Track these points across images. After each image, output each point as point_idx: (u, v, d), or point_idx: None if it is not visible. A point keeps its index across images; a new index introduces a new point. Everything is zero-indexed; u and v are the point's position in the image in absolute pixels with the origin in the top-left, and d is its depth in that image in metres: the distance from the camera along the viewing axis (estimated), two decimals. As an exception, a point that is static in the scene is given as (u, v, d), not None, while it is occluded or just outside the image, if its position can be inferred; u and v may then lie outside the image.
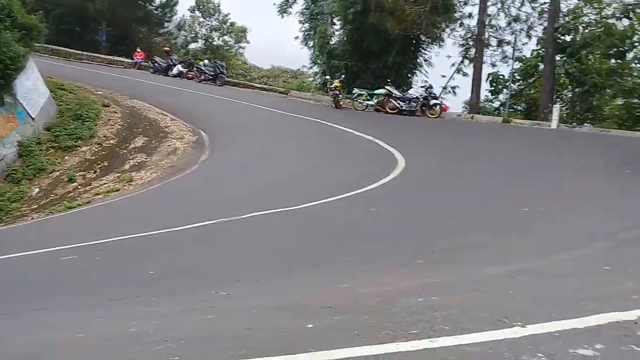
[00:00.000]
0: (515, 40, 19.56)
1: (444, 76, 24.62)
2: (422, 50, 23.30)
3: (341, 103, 19.87)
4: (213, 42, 38.21)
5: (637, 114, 18.76)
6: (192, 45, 38.60)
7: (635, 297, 3.71)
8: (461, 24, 23.89)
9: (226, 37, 39.38)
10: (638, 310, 3.43)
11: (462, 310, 3.55)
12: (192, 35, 38.51)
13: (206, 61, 27.16)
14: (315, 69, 28.32)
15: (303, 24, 28.34)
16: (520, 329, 3.19)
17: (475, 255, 5.07)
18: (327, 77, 21.95)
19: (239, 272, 5.12)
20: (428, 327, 3.24)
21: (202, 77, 25.23)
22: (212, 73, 25.03)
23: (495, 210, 7.15)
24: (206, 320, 3.64)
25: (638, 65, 19.24)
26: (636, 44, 17.88)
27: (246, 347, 3.01)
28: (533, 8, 21.87)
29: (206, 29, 38.57)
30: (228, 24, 38.89)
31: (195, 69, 26.32)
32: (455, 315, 3.43)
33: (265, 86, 27.01)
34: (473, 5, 22.71)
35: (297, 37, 28.85)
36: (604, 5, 19.25)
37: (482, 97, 22.70)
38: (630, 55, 18.62)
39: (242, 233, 6.67)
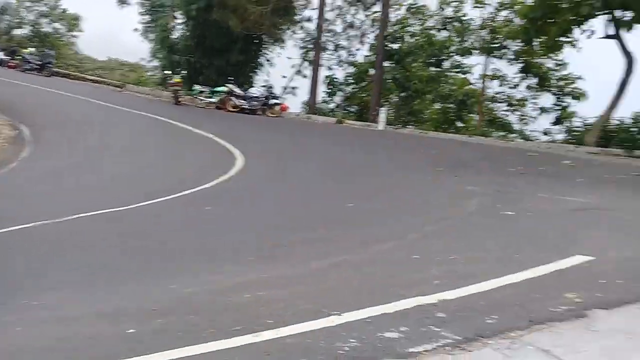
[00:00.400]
0: (350, 46, 20.79)
1: (284, 77, 25.27)
2: (264, 50, 23.67)
3: (181, 99, 19.38)
4: (41, 29, 34.76)
5: (452, 117, 21.08)
6: (17, 32, 34.77)
7: (437, 282, 4.17)
8: (301, 27, 24.75)
9: (57, 25, 36.05)
10: (439, 294, 3.87)
11: (287, 304, 3.71)
12: (17, 20, 34.66)
13: (32, 49, 24.69)
14: (155, 63, 27.22)
15: (143, 15, 27.04)
16: (336, 318, 3.43)
17: (302, 250, 5.31)
18: (168, 72, 21.24)
19: (55, 279, 4.76)
20: (253, 323, 3.34)
21: (27, 67, 22.99)
22: (39, 62, 22.87)
23: (323, 206, 7.54)
24: (14, 333, 3.35)
25: (453, 73, 21.56)
26: (452, 54, 19.99)
27: (56, 358, 2.83)
28: (366, 16, 23.39)
29: (34, 15, 34.97)
30: (59, 10, 35.63)
31: (19, 57, 23.81)
32: (279, 309, 3.58)
33: (98, 78, 25.27)
34: (312, 9, 23.66)
35: (136, 29, 27.43)
36: (427, 17, 21.27)
37: (320, 99, 23.71)
38: (447, 64, 20.78)
39: (61, 237, 6.19)
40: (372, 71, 21.70)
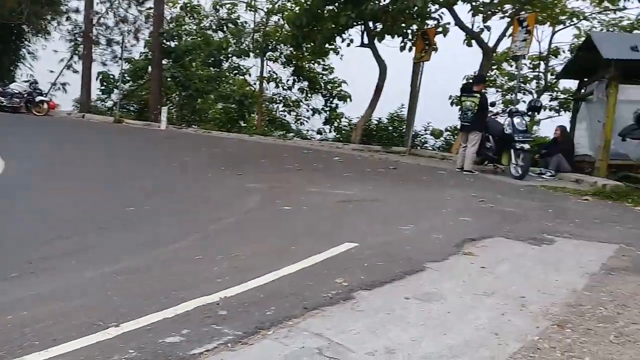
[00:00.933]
0: (124, 41, 19.65)
1: (52, 72, 22.88)
2: (26, 42, 21.08)
3: None
4: None
5: (234, 117, 21.41)
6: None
7: (219, 280, 4.22)
8: (68, 18, 22.66)
9: None
10: (220, 292, 3.93)
11: (57, 320, 3.40)
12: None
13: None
14: None
15: None
16: (114, 329, 3.26)
17: (76, 260, 4.89)
18: None
19: None
20: (16, 346, 3.00)
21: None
22: None
23: (101, 211, 7.03)
24: None
25: (232, 74, 21.90)
26: (229, 55, 20.27)
27: None
28: (140, 11, 22.41)
29: None
30: None
31: None
32: (47, 328, 3.26)
33: None
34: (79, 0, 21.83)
35: None
36: (202, 17, 21.20)
37: (94, 96, 22.08)
38: (225, 65, 21.00)
39: None
40: (150, 68, 20.88)
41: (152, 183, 8.95)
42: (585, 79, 14.07)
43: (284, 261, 4.66)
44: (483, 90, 11.78)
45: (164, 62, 20.17)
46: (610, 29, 18.15)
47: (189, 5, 21.06)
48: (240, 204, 7.47)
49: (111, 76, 21.30)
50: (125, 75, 20.89)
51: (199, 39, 20.34)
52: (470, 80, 12.19)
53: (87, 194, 8.16)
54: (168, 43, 19.75)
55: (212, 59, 19.72)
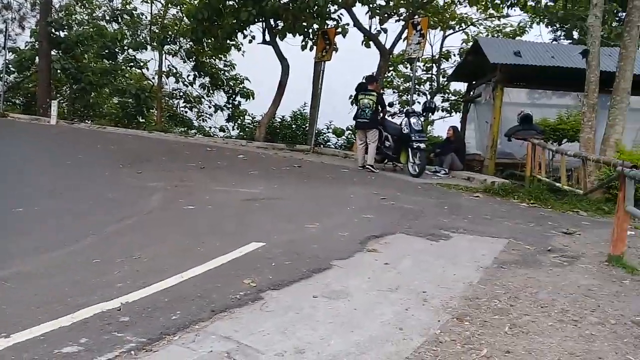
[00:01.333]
0: (6, 30, 18.11)
1: None
2: None
3: None
4: None
5: (132, 112, 20.47)
6: None
7: (120, 285, 4.04)
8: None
9: None
10: (122, 298, 3.76)
11: None
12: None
13: None
14: None
15: None
16: (3, 341, 3.03)
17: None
18: None
19: None
20: None
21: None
22: None
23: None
24: None
25: (128, 67, 20.90)
26: (125, 47, 19.33)
27: None
28: (25, -1, 20.75)
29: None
30: None
31: None
32: None
33: None
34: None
35: None
36: (95, 6, 20.05)
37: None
38: (121, 58, 20.00)
39: None
40: (37, 59, 19.39)
41: (43, 182, 8.35)
42: (474, 82, 15.04)
43: (189, 262, 4.55)
44: (380, 90, 12.16)
45: (53, 53, 18.84)
46: (495, 35, 19.53)
47: (79, -7, 19.86)
48: (141, 203, 7.18)
49: (-7, 67, 19.53)
50: (10, 66, 19.22)
51: (92, 29, 19.18)
52: (364, 81, 12.55)
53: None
54: (57, 33, 18.45)
55: (107, 50, 18.68)
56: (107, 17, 19.40)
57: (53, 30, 18.21)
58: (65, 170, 9.45)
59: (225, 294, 3.81)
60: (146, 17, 19.54)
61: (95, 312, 3.49)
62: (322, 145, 16.93)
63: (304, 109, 18.60)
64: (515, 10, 16.39)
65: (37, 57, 18.80)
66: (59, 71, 19.13)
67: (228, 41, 17.47)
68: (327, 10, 14.95)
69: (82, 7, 20.14)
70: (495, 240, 5.90)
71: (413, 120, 11.10)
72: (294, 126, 18.68)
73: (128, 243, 5.33)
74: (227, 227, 6.00)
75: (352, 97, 19.30)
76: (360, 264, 4.74)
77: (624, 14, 10.54)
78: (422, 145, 10.89)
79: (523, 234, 6.31)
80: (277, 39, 15.85)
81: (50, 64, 18.55)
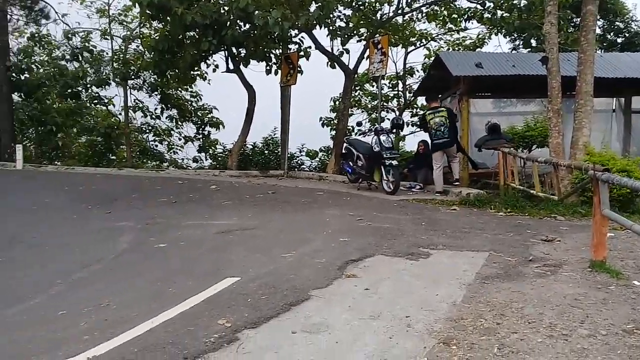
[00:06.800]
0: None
1: None
2: None
3: None
4: None
5: (101, 150, 20.08)
6: None
7: (86, 337, 3.81)
8: None
9: None
10: (88, 351, 3.53)
11: None
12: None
13: None
14: None
15: None
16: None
17: None
18: None
19: None
20: None
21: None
22: None
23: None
24: None
25: (93, 105, 20.55)
26: (88, 85, 19.03)
27: None
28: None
29: None
30: None
31: None
32: None
33: None
34: None
35: None
36: (54, 47, 19.73)
37: None
38: (84, 96, 19.68)
39: None
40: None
41: (6, 230, 8.01)
42: (440, 95, 15.13)
43: (160, 307, 4.34)
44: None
45: (15, 96, 18.44)
46: (456, 48, 19.79)
47: (37, 35, 19.46)
48: (109, 246, 6.91)
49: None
50: (-30, 113, 18.71)
51: (52, 69, 18.84)
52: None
53: None
54: (18, 76, 18.08)
55: (69, 89, 18.33)
56: (67, 57, 19.08)
57: (13, 74, 17.83)
58: (30, 216, 9.11)
59: (198, 338, 3.61)
60: (107, 54, 19.29)
61: (58, 372, 3.26)
62: (295, 169, 16.80)
63: (274, 134, 18.51)
64: (472, 23, 16.56)
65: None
66: (26, 114, 18.70)
67: (192, 72, 17.31)
68: (288, 34, 14.94)
69: (41, 48, 19.77)
70: (476, 254, 5.81)
71: (383, 137, 11.06)
72: (266, 152, 18.55)
73: (96, 290, 5.08)
74: (200, 264, 5.79)
75: (326, 120, 19.64)
76: (340, 292, 4.58)
77: (579, 19, 10.74)
78: (394, 162, 10.83)
79: (503, 244, 6.24)
80: (241, 66, 15.76)
81: (12, 108, 18.14)
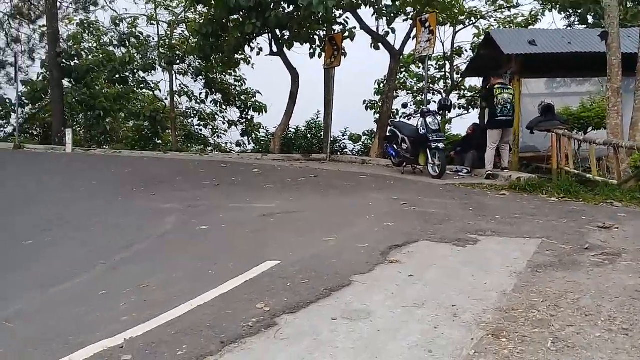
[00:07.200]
0: (17, 62, 18.27)
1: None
2: None
3: None
4: None
5: (147, 134, 20.45)
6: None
7: (125, 318, 3.78)
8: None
9: None
10: (126, 332, 3.49)
11: None
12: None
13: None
14: None
15: None
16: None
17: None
18: None
19: None
20: None
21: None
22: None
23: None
24: None
25: (139, 90, 20.90)
26: (135, 70, 19.33)
27: None
28: (34, 30, 20.97)
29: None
30: None
31: None
32: None
33: None
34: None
35: None
36: (102, 33, 20.08)
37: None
38: (132, 81, 20.02)
39: None
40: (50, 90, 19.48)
41: (54, 211, 8.19)
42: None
43: (200, 288, 4.27)
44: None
45: (65, 81, 18.93)
46: (507, 26, 19.00)
47: (86, 22, 19.86)
48: (153, 227, 6.94)
49: (7, 100, 19.67)
50: (23, 98, 19.34)
51: (101, 55, 19.22)
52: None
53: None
54: (67, 62, 18.52)
55: (117, 75, 18.66)
56: (115, 42, 19.41)
57: (63, 60, 18.28)
58: (77, 197, 9.31)
59: (236, 322, 3.51)
60: (153, 39, 19.50)
61: (97, 351, 3.23)
62: (338, 153, 16.60)
63: (317, 118, 18.34)
64: (525, -1, 15.94)
65: (49, 88, 18.88)
66: (75, 99, 19.20)
67: (235, 55, 17.29)
68: (332, 15, 14.66)
69: (90, 34, 20.16)
70: (527, 241, 5.50)
71: (429, 119, 10.71)
72: (309, 136, 18.42)
73: (137, 271, 5.08)
74: (241, 247, 5.71)
75: (370, 103, 19.30)
76: (383, 278, 4.40)
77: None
78: (441, 145, 10.49)
79: (556, 231, 5.89)
80: (285, 49, 15.61)
81: (62, 93, 18.63)
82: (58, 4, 18.72)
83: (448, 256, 5.02)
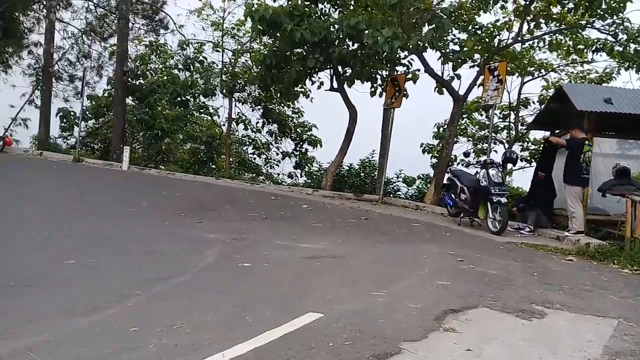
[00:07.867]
0: (84, 77, 18.92)
1: (13, 106, 22.00)
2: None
3: None
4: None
5: (202, 158, 20.64)
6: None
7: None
8: (30, 52, 21.98)
9: None
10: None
11: None
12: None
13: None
14: None
15: None
16: None
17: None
18: None
19: None
20: None
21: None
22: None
23: (34, 264, 6.17)
24: None
25: (198, 114, 21.23)
26: (196, 94, 19.67)
27: None
28: (104, 48, 21.83)
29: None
30: None
31: None
32: None
33: None
34: (40, 33, 21.21)
35: None
36: (169, 56, 20.61)
37: (56, 133, 21.22)
38: (192, 104, 20.37)
39: None
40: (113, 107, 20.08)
41: (100, 231, 8.10)
42: (557, 130, 13.85)
43: (234, 337, 3.92)
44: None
45: (128, 100, 19.44)
46: (579, 81, 18.21)
47: (154, 43, 20.49)
48: (195, 258, 6.69)
49: (72, 113, 20.36)
50: (87, 112, 19.98)
51: (165, 77, 19.68)
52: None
53: (21, 240, 7.29)
54: (132, 81, 19.07)
55: (178, 97, 19.00)
56: (180, 66, 19.86)
57: (129, 79, 18.80)
58: (126, 217, 9.26)
59: (269, 387, 3.12)
60: (217, 65, 19.84)
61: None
62: (391, 195, 16.12)
63: (372, 157, 17.98)
64: (600, 55, 15.19)
65: (113, 105, 19.44)
66: (135, 117, 19.66)
67: (295, 88, 17.29)
68: (397, 56, 14.43)
69: (157, 56, 20.73)
70: (602, 320, 4.88)
71: (492, 172, 10.15)
72: (362, 174, 18.04)
73: (172, 307, 4.77)
74: (283, 292, 5.34)
75: (428, 146, 18.77)
76: (436, 349, 3.91)
77: None
78: (503, 200, 9.88)
79: (634, 311, 5.24)
80: (345, 86, 15.45)
81: (124, 111, 19.12)
82: (130, 24, 19.39)
83: (511, 329, 4.47)
